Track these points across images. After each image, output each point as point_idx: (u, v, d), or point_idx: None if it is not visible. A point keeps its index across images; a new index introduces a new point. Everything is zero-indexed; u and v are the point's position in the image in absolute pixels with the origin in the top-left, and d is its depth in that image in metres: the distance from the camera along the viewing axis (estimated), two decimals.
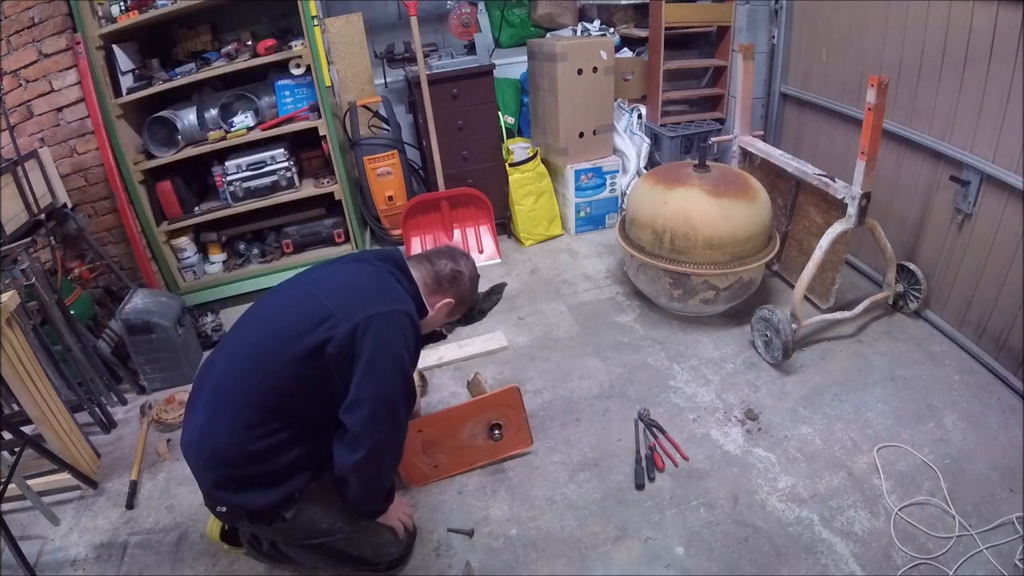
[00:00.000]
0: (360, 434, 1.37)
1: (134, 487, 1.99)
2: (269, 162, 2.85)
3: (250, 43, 2.82)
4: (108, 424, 2.31)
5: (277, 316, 1.47)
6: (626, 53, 3.60)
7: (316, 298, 1.41)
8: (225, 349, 1.50)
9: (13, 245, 2.11)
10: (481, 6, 3.55)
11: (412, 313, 1.44)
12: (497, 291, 2.25)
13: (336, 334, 1.33)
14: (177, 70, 2.70)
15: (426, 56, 3.09)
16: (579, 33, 3.68)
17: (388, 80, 3.55)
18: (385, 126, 3.33)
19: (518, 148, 3.37)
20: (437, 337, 2.09)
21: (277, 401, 1.38)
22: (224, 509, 1.45)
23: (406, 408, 1.46)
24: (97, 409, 2.29)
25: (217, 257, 3.09)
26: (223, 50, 2.78)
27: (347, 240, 3.16)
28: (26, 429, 1.90)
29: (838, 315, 2.33)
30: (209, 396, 1.44)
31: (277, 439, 1.39)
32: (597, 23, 3.69)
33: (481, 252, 3.23)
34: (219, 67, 2.70)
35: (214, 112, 2.81)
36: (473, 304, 1.72)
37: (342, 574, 1.61)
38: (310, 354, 1.35)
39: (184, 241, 2.94)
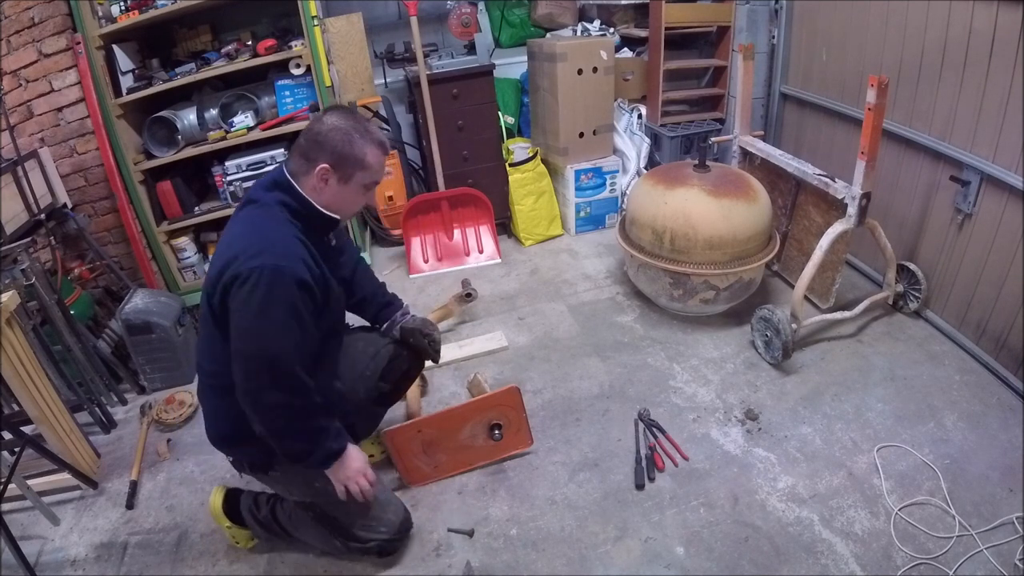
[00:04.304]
0: (240, 387, 1.35)
1: (134, 487, 1.99)
2: (269, 162, 2.84)
3: (250, 43, 2.82)
4: (108, 424, 2.31)
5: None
6: (626, 53, 3.60)
7: (214, 257, 1.42)
8: None
9: (13, 245, 2.11)
10: (481, 6, 3.56)
11: (284, 263, 1.31)
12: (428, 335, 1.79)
13: (217, 291, 1.34)
14: (177, 70, 2.70)
15: (426, 56, 3.09)
16: (579, 33, 3.68)
17: (388, 80, 3.55)
18: (385, 126, 3.33)
19: (518, 148, 3.37)
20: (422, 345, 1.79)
21: (225, 363, 1.38)
22: (231, 459, 1.60)
23: (287, 366, 1.33)
24: (97, 409, 2.29)
25: None
26: (223, 50, 2.78)
27: None
28: (26, 429, 1.90)
29: (838, 315, 2.33)
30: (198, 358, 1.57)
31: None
32: (597, 23, 3.69)
33: (481, 252, 3.23)
34: (219, 67, 2.70)
35: (214, 112, 2.81)
36: (364, 154, 1.42)
37: (334, 550, 1.63)
38: (213, 314, 1.38)
39: (184, 241, 2.94)
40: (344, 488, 1.48)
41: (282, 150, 2.86)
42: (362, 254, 3.06)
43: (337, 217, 1.49)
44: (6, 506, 1.82)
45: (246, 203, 1.48)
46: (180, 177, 2.88)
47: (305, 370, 1.38)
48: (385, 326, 1.81)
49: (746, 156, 2.77)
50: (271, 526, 1.68)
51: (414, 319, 1.82)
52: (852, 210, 2.12)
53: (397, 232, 3.29)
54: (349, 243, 1.83)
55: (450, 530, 1.75)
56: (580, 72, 3.03)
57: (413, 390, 2.12)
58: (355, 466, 1.48)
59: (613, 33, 3.64)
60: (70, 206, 2.57)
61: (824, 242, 2.17)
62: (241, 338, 1.33)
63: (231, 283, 1.31)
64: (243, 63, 2.70)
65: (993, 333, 2.13)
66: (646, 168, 3.49)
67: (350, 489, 1.48)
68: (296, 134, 2.85)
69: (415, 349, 1.80)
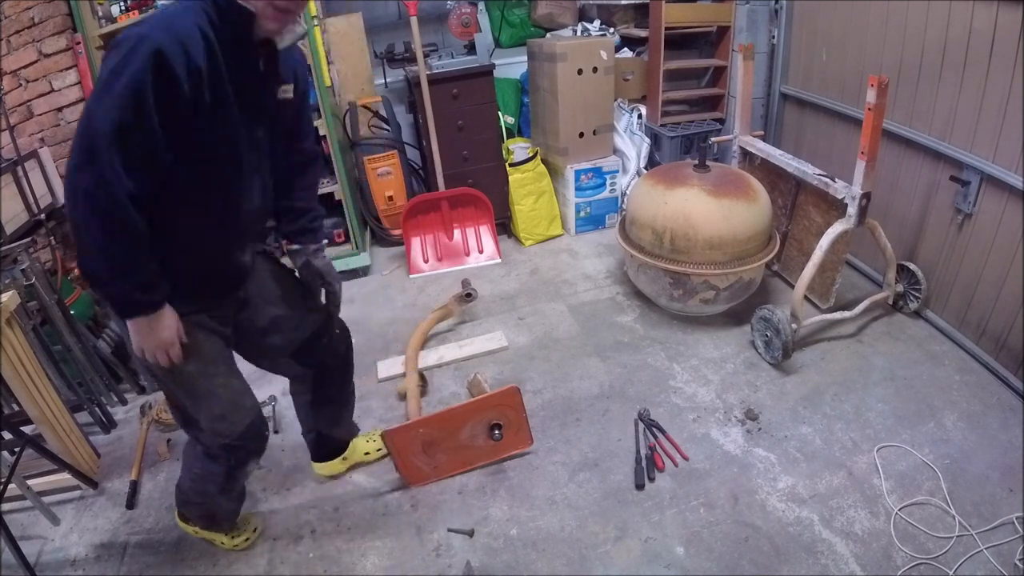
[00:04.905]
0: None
1: (134, 487, 1.99)
2: None
3: None
4: (108, 424, 2.31)
5: None
6: (626, 53, 3.60)
7: None
8: None
9: (13, 245, 2.11)
10: (481, 6, 3.56)
11: (154, 34, 1.12)
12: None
13: None
14: None
15: (426, 56, 3.10)
16: (579, 33, 3.68)
17: (388, 80, 3.56)
18: (385, 126, 3.33)
19: (518, 148, 3.37)
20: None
21: None
22: (78, 272, 1.42)
23: (104, 145, 1.10)
24: (97, 409, 2.29)
25: None
26: None
27: (347, 240, 3.16)
28: (26, 429, 1.90)
29: (838, 315, 2.33)
30: None
31: None
32: (597, 23, 3.69)
33: (481, 252, 3.23)
34: None
35: None
36: None
37: (204, 470, 1.54)
38: None
39: None
40: (139, 350, 1.32)
41: None
42: (362, 253, 3.09)
43: (253, 10, 1.21)
44: (6, 506, 1.82)
45: None
46: None
47: (136, 181, 1.14)
48: (293, 249, 1.65)
49: (746, 156, 2.77)
50: (183, 497, 1.67)
51: (323, 260, 1.66)
52: (852, 210, 2.12)
53: (397, 232, 3.29)
54: (307, 124, 1.62)
55: (450, 530, 1.75)
56: (580, 72, 3.03)
57: (413, 389, 2.12)
58: (163, 336, 1.31)
59: (613, 33, 3.64)
60: None
61: (824, 242, 2.17)
62: (86, 102, 1.17)
63: (110, 50, 1.15)
64: None
65: (993, 333, 2.13)
66: (646, 168, 3.49)
67: (147, 358, 1.33)
68: None
69: (332, 347, 1.71)
